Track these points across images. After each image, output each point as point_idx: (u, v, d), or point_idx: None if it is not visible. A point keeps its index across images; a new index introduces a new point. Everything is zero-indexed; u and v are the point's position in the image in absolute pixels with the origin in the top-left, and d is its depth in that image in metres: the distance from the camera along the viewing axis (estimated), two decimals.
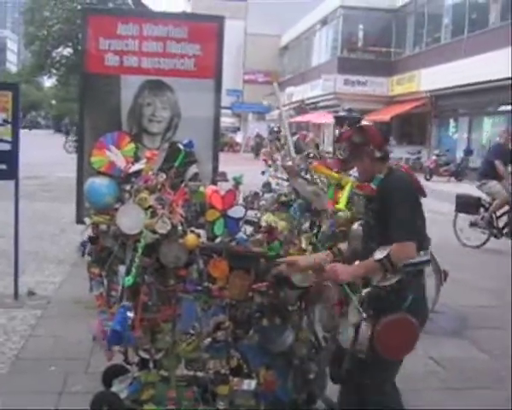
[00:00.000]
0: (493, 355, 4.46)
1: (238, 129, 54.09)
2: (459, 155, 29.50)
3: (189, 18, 8.19)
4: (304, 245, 4.06)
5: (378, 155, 3.60)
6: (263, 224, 4.14)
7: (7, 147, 6.64)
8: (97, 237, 4.20)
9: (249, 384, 4.24)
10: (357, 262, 3.64)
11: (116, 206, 4.13)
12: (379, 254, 3.40)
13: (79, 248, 4.35)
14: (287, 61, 53.37)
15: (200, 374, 4.28)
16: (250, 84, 54.69)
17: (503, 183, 11.38)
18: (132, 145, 4.34)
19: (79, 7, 30.77)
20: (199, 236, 4.18)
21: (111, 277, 4.21)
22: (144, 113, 6.82)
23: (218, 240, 4.18)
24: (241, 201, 4.30)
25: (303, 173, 4.30)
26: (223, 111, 50.12)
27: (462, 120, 31.23)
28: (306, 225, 4.36)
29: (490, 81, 25.36)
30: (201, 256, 4.12)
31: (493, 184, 11.50)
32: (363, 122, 3.95)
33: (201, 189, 4.28)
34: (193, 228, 4.25)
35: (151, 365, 4.26)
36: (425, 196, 3.63)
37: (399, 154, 34.06)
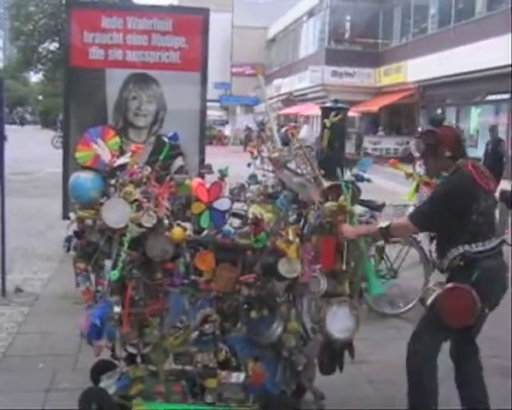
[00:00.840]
0: (481, 340, 4.45)
1: (226, 122, 53.94)
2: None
3: (173, 11, 8.11)
4: (291, 237, 4.04)
5: (448, 154, 3.98)
6: (250, 215, 4.12)
7: None
8: (83, 231, 4.18)
9: (238, 377, 4.23)
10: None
11: (101, 200, 4.10)
12: (382, 224, 4.10)
13: (64, 243, 4.34)
14: (274, 54, 53.30)
15: (188, 368, 4.27)
16: (238, 76, 54.60)
17: None
18: (117, 139, 4.31)
19: (64, 1, 30.57)
20: (185, 229, 4.16)
21: (97, 271, 4.19)
22: (130, 106, 6.78)
23: (204, 233, 4.17)
24: (227, 193, 4.28)
25: (289, 165, 4.29)
26: (211, 104, 50.01)
27: (450, 110, 31.27)
28: (294, 216, 4.37)
29: (477, 71, 25.40)
30: (188, 249, 4.11)
31: None
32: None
33: (187, 181, 4.27)
34: (179, 221, 4.24)
35: (139, 359, 4.25)
36: (488, 191, 3.94)
37: (388, 144, 34.24)
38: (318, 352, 4.24)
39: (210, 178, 4.30)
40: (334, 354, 4.29)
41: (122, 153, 4.29)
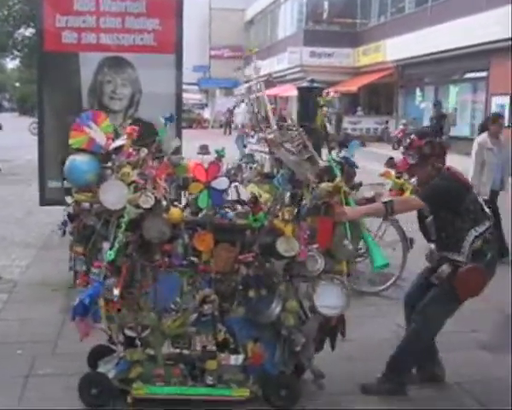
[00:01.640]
0: (457, 319, 4.53)
1: (206, 105, 53.78)
2: (426, 123, 29.62)
3: None
4: (287, 216, 4.07)
5: (439, 165, 4.37)
6: (248, 195, 4.16)
7: None
8: (77, 215, 4.17)
9: (236, 359, 4.25)
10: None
11: (97, 183, 4.08)
12: (386, 199, 4.37)
13: (60, 227, 4.34)
14: (253, 35, 53.02)
15: (186, 351, 4.26)
16: (217, 59, 54.32)
17: None
18: (108, 121, 4.29)
19: None
20: (183, 210, 4.17)
21: (94, 255, 4.16)
22: (105, 90, 6.68)
23: (201, 214, 4.16)
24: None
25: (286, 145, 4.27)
26: (190, 87, 49.71)
27: (429, 89, 31.34)
28: (288, 197, 4.34)
29: (454, 49, 25.45)
30: (186, 230, 4.11)
31: None
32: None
33: (184, 162, 4.25)
34: (176, 202, 4.25)
35: (137, 343, 4.23)
36: (470, 186, 4.50)
37: (367, 124, 34.30)
38: (317, 331, 4.27)
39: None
40: (324, 332, 4.34)
41: (117, 136, 4.29)
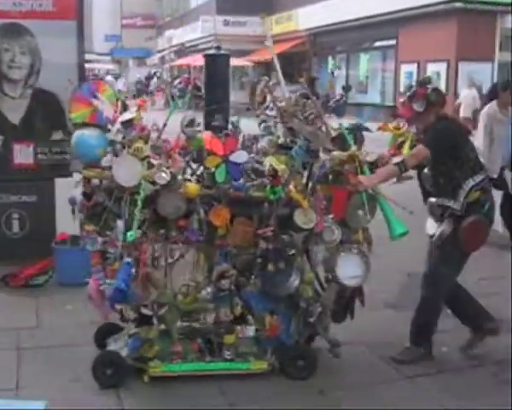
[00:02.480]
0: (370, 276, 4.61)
1: (119, 75, 52.79)
2: (338, 91, 30.06)
3: None
4: (298, 187, 4.06)
5: (441, 113, 4.39)
6: (266, 167, 4.04)
7: None
8: (91, 192, 4.01)
9: (250, 331, 4.25)
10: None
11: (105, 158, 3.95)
12: (396, 160, 4.28)
13: (70, 203, 4.12)
14: (165, 4, 52.12)
15: (204, 326, 4.23)
16: (129, 28, 53.22)
17: None
18: (110, 89, 4.17)
19: None
20: (199, 184, 4.07)
21: (104, 233, 4.04)
22: (3, 59, 6.39)
23: (214, 188, 4.06)
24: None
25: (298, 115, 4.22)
26: (102, 58, 48.34)
27: (340, 57, 31.76)
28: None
29: (364, 17, 25.86)
30: (201, 205, 4.01)
31: None
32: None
33: (199, 135, 4.12)
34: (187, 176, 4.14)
35: (154, 320, 4.14)
36: (469, 132, 4.50)
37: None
38: (333, 300, 4.27)
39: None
40: (345, 302, 4.34)
41: (123, 107, 4.17)
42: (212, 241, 4.07)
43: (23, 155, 6.34)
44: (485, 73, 22.63)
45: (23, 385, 4.09)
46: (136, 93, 39.52)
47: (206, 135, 4.16)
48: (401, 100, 4.59)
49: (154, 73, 41.40)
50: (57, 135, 6.32)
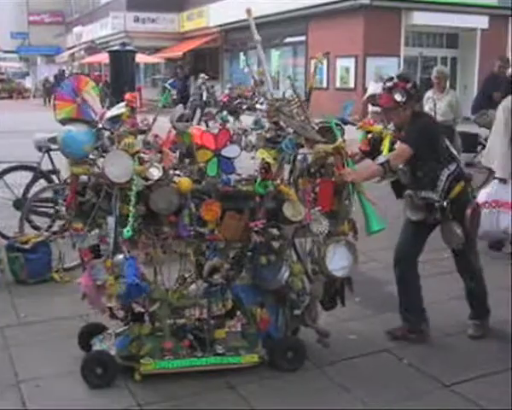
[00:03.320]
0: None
1: (27, 74, 51.39)
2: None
3: None
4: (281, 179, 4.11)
5: (418, 109, 4.50)
6: (257, 161, 4.07)
7: None
8: (84, 188, 3.96)
9: (239, 325, 4.27)
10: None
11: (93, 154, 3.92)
12: (381, 160, 4.37)
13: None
14: (74, 0, 51.20)
15: (195, 321, 4.23)
16: (36, 25, 51.90)
17: None
18: (92, 83, 4.10)
19: None
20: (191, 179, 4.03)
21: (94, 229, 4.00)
22: None
23: (203, 182, 4.05)
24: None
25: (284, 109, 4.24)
26: (9, 56, 46.91)
27: (252, 53, 32.02)
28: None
29: (274, 14, 26.21)
30: (192, 200, 3.99)
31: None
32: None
33: (189, 130, 4.08)
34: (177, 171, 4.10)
35: (146, 317, 4.12)
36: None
37: (193, 89, 34.44)
38: (322, 291, 4.32)
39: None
40: (335, 291, 4.40)
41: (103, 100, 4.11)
42: (203, 236, 4.06)
43: None
44: (391, 68, 23.42)
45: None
46: (45, 92, 38.35)
47: (196, 129, 4.16)
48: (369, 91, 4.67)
49: (63, 71, 40.50)
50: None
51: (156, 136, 4.00)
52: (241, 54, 32.89)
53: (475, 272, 4.76)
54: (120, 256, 3.93)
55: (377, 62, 22.79)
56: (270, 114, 4.26)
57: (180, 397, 3.92)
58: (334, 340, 4.50)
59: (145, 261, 4.08)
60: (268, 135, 4.24)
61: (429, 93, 9.48)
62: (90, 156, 3.96)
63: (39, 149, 7.07)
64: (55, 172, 7.20)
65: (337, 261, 4.20)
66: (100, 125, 3.98)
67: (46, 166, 7.21)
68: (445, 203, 4.46)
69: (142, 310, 4.14)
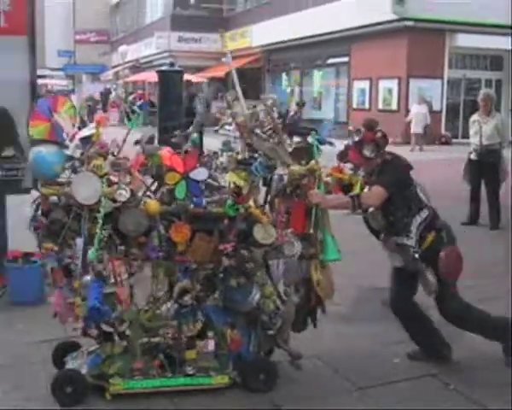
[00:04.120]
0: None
1: (73, 91, 52.25)
2: (293, 107, 30.27)
3: None
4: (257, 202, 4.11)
5: (388, 158, 4.44)
6: (227, 184, 4.10)
7: None
8: (50, 210, 3.97)
9: (211, 345, 4.23)
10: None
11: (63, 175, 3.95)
12: (352, 194, 4.34)
13: (30, 223, 4.06)
14: (119, 20, 51.97)
15: (166, 341, 4.19)
16: (82, 44, 52.82)
17: None
18: (69, 103, 4.15)
19: None
20: (159, 201, 4.06)
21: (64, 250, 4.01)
22: None
23: (173, 204, 4.06)
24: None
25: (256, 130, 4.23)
26: (55, 73, 47.48)
27: (294, 74, 32.07)
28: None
29: (318, 35, 26.22)
30: (161, 222, 4.01)
31: None
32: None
33: (159, 152, 4.11)
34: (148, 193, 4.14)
35: (116, 337, 4.10)
36: (412, 168, 4.52)
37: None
38: (294, 313, 4.30)
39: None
40: (307, 312, 4.39)
41: (82, 122, 4.12)
42: (173, 257, 4.08)
43: None
44: (435, 90, 23.19)
45: None
46: (88, 111, 38.02)
47: (166, 152, 4.16)
48: (345, 142, 4.58)
49: (109, 89, 40.92)
50: (8, 151, 6.24)
51: (125, 157, 4.02)
52: (284, 74, 33.03)
53: (462, 316, 4.58)
54: (88, 277, 3.94)
55: (420, 84, 22.62)
56: (243, 135, 4.27)
57: None
58: (378, 363, 4.50)
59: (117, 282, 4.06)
60: (239, 157, 4.25)
61: (475, 116, 9.38)
62: (62, 177, 3.98)
63: None
64: None
65: None
66: (70, 147, 4.02)
67: None
68: (416, 255, 4.38)
69: (111, 330, 4.10)
